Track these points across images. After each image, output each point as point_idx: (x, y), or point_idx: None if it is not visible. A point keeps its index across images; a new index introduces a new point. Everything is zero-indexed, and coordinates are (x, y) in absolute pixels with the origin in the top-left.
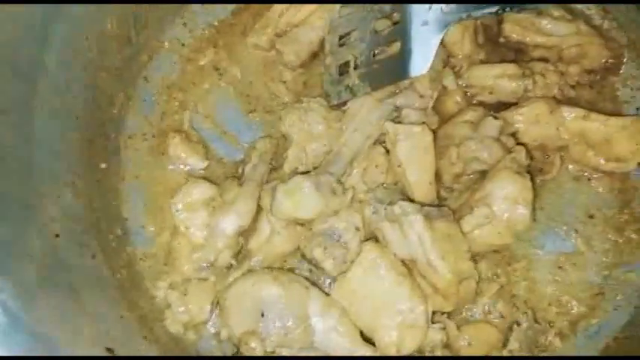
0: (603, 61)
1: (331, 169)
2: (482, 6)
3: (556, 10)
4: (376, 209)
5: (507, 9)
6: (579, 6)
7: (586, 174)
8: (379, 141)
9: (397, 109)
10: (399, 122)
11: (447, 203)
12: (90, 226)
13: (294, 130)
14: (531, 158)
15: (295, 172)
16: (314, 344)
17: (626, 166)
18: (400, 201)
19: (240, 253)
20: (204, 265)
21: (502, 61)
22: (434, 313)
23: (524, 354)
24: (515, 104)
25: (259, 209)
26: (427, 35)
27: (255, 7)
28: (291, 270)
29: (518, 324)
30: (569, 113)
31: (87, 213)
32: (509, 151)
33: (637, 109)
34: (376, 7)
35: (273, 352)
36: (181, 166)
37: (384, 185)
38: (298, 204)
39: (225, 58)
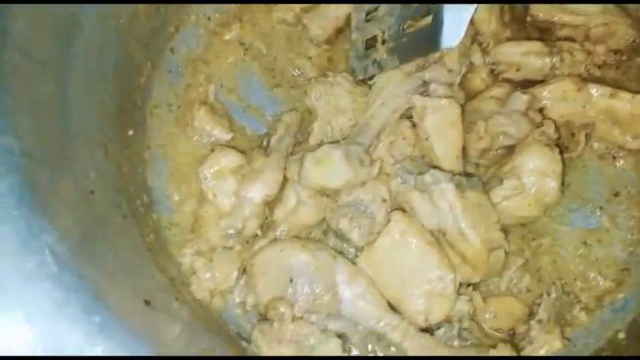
0: (630, 40)
1: (360, 140)
2: None
3: None
4: (405, 179)
5: None
6: None
7: (612, 152)
8: (406, 115)
9: (425, 83)
10: (427, 96)
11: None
12: (120, 189)
13: (320, 103)
14: (559, 135)
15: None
16: (341, 312)
17: None
18: (432, 169)
19: (265, 224)
20: (231, 232)
21: (528, 39)
22: (460, 285)
23: (551, 326)
24: (541, 82)
25: (285, 180)
26: (460, 7)
27: None
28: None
29: (548, 294)
30: (596, 91)
31: (117, 176)
32: (537, 125)
33: None
34: None
35: (301, 318)
36: (206, 138)
37: (411, 157)
38: (327, 173)
39: (251, 33)
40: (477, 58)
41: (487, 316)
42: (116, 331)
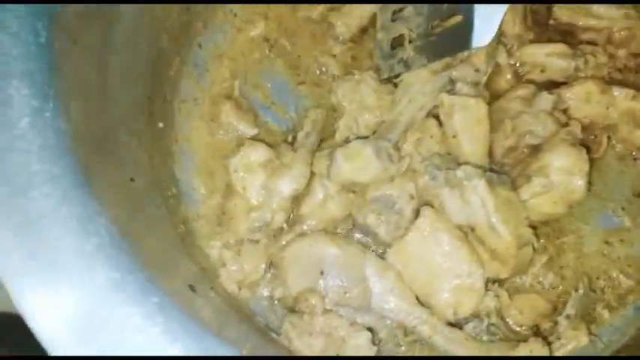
0: None
1: (388, 136)
2: None
3: None
4: (434, 175)
5: None
6: None
7: (633, 153)
8: (432, 114)
9: (451, 82)
10: (454, 94)
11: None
12: (153, 179)
13: (346, 100)
14: (582, 137)
15: (347, 142)
16: (370, 306)
17: None
18: (464, 165)
19: (291, 219)
20: (259, 225)
21: (551, 42)
22: (487, 281)
23: (576, 323)
24: (564, 84)
25: (312, 175)
26: (491, 6)
27: None
28: None
29: (576, 290)
30: (619, 93)
31: (150, 166)
32: (563, 125)
33: None
34: None
35: (331, 311)
36: (231, 132)
37: (439, 154)
38: (357, 167)
39: (276, 30)
40: (502, 58)
41: (512, 312)
42: (173, 311)
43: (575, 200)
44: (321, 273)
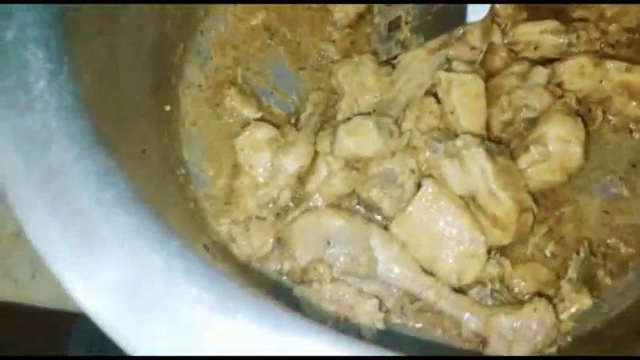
0: None
1: (389, 112)
2: None
3: None
4: (435, 148)
5: None
6: None
7: (629, 125)
8: (430, 92)
9: (448, 60)
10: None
11: None
12: (163, 157)
13: (346, 81)
14: (577, 109)
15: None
16: (377, 274)
17: None
18: (462, 134)
19: (297, 198)
20: (266, 202)
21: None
22: (489, 250)
23: (579, 287)
24: (557, 60)
25: (316, 154)
26: None
27: None
28: None
29: (577, 253)
30: (612, 66)
31: (159, 145)
32: (558, 97)
33: None
34: None
35: (339, 280)
36: (236, 117)
37: (439, 128)
38: (360, 142)
39: (276, 19)
40: (496, 37)
41: (515, 280)
42: (192, 256)
43: (573, 168)
44: (328, 243)
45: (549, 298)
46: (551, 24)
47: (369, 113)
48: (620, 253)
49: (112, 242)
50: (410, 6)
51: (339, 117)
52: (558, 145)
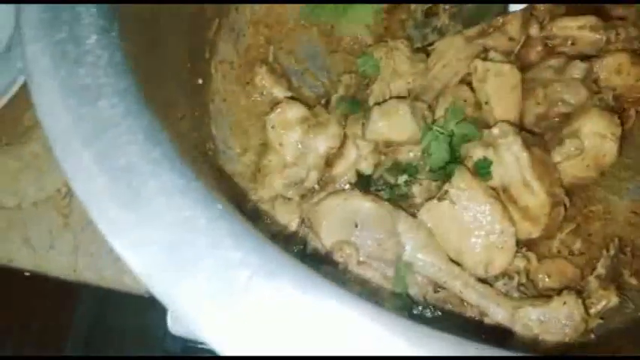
0: None
1: (423, 98)
2: None
3: None
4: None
5: None
6: None
7: None
8: (464, 80)
9: (484, 50)
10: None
11: None
12: (194, 128)
13: (380, 64)
14: (612, 107)
15: None
16: (403, 260)
17: None
18: (500, 122)
19: (323, 180)
20: (294, 181)
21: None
22: (517, 244)
23: (606, 284)
24: (594, 57)
25: (345, 137)
26: None
27: None
28: None
29: (607, 250)
30: None
31: (192, 116)
32: (594, 92)
33: None
34: None
35: (365, 263)
36: (266, 96)
37: (473, 117)
38: (393, 125)
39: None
40: (534, 30)
41: (540, 276)
42: (236, 218)
43: (606, 164)
44: (355, 226)
45: (578, 293)
46: (590, 20)
47: (403, 97)
48: None
49: (157, 199)
50: None
51: (371, 101)
52: (594, 139)
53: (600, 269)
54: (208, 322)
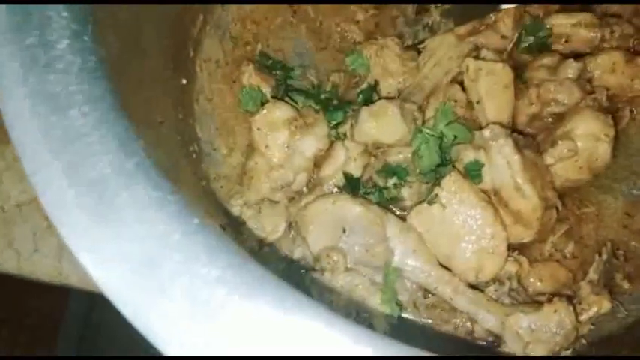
0: None
1: (413, 98)
2: None
3: None
4: None
5: None
6: None
7: None
8: (455, 79)
9: (476, 48)
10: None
11: None
12: (178, 131)
13: (370, 63)
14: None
15: None
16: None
17: None
18: (491, 124)
19: (311, 182)
20: (280, 185)
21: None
22: (508, 248)
23: (598, 289)
24: (588, 55)
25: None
26: None
27: None
28: None
29: (600, 254)
30: None
31: (175, 119)
32: (588, 92)
33: None
34: None
35: (353, 269)
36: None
37: (464, 118)
38: (382, 126)
39: None
40: None
41: (532, 279)
42: (213, 233)
43: (599, 166)
44: (344, 231)
45: (569, 299)
46: (585, 17)
47: (393, 98)
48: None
49: (130, 214)
50: None
51: (360, 100)
52: (587, 141)
53: (592, 274)
54: (183, 344)
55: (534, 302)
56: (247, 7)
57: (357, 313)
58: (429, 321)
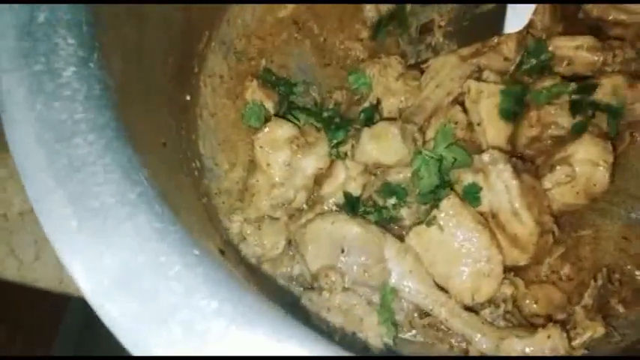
0: None
1: (414, 119)
2: None
3: None
4: None
5: None
6: None
7: None
8: (456, 101)
9: (479, 69)
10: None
11: None
12: (180, 149)
13: (373, 82)
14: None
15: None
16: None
17: None
18: (490, 149)
19: (312, 200)
20: (281, 202)
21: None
22: (504, 271)
23: (592, 314)
24: (589, 77)
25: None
26: None
27: None
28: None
29: (595, 280)
30: None
31: (178, 136)
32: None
33: None
34: None
35: (350, 289)
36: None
37: (463, 140)
38: (383, 148)
39: (305, 12)
40: None
41: (527, 301)
42: (213, 265)
43: (597, 192)
44: (342, 251)
45: (562, 324)
46: (588, 40)
47: (394, 119)
48: (636, 281)
49: (133, 245)
50: (445, 9)
51: (362, 119)
52: (586, 167)
53: (587, 299)
54: None
55: (529, 325)
56: (252, 23)
57: (353, 333)
58: (425, 341)
